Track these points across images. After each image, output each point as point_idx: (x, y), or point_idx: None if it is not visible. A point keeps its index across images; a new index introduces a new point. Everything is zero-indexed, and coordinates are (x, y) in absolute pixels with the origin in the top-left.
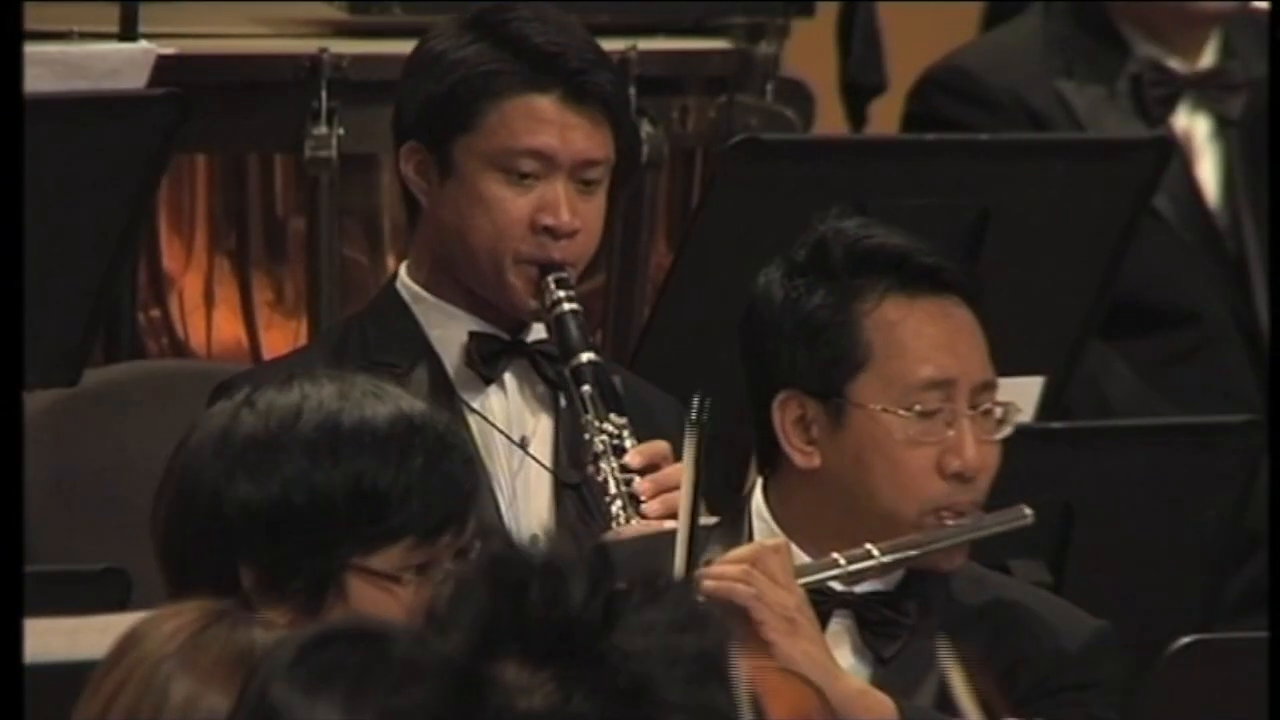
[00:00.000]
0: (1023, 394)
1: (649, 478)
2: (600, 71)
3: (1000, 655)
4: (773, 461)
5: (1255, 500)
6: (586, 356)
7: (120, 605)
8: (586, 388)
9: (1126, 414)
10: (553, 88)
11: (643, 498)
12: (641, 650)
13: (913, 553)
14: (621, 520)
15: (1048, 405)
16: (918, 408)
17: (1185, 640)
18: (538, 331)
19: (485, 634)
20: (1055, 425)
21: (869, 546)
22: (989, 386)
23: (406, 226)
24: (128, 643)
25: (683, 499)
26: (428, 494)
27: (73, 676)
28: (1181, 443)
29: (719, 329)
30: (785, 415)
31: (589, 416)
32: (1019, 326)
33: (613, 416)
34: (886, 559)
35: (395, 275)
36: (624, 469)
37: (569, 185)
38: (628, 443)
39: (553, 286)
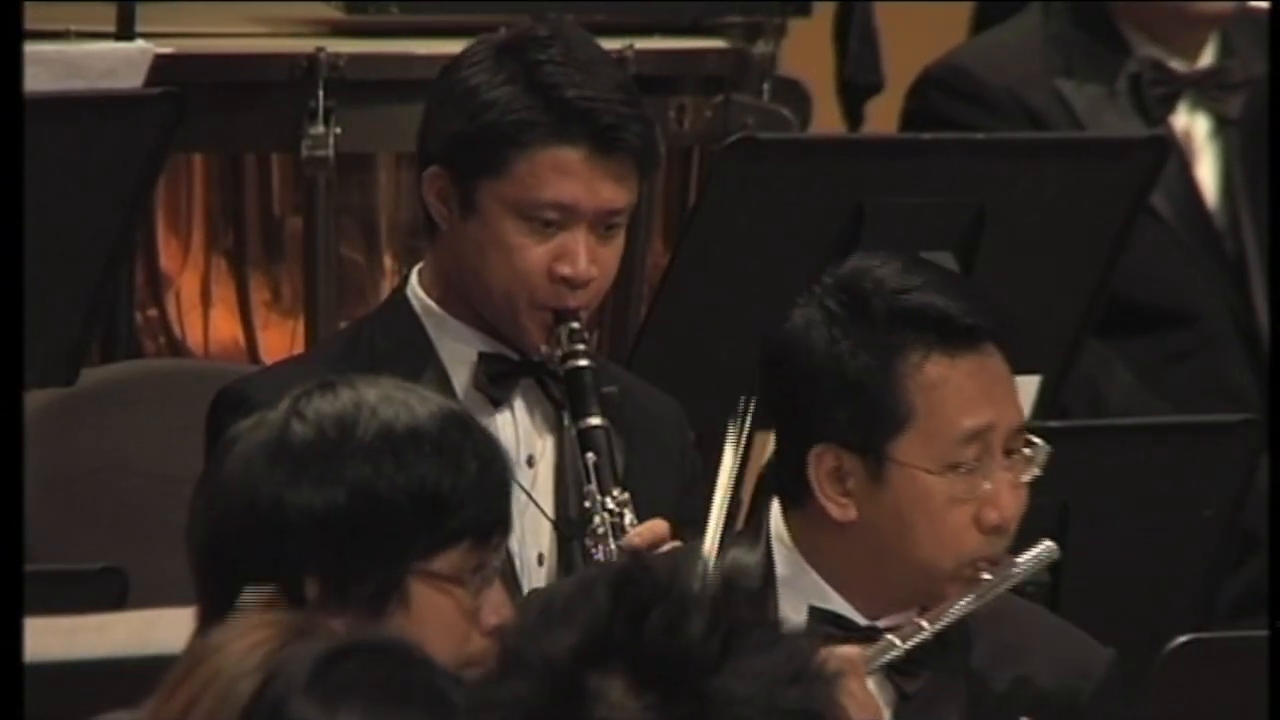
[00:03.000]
0: (1019, 393)
1: None
2: (631, 125)
3: (1020, 692)
4: (799, 497)
5: (1253, 500)
6: (594, 421)
7: (117, 604)
8: (591, 456)
9: (1124, 414)
10: (581, 142)
11: None
12: (747, 696)
13: (960, 615)
14: None
15: (1045, 404)
16: (961, 469)
17: (1182, 639)
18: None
19: (597, 643)
20: (1052, 424)
21: (919, 620)
22: (1021, 431)
23: (423, 235)
24: (202, 653)
25: (715, 508)
26: (483, 496)
27: (69, 676)
28: (1179, 442)
29: (716, 328)
30: (821, 468)
31: (591, 488)
32: (1016, 325)
33: (615, 493)
34: (939, 627)
35: (406, 281)
36: (622, 551)
37: (590, 234)
38: (628, 519)
39: (565, 340)
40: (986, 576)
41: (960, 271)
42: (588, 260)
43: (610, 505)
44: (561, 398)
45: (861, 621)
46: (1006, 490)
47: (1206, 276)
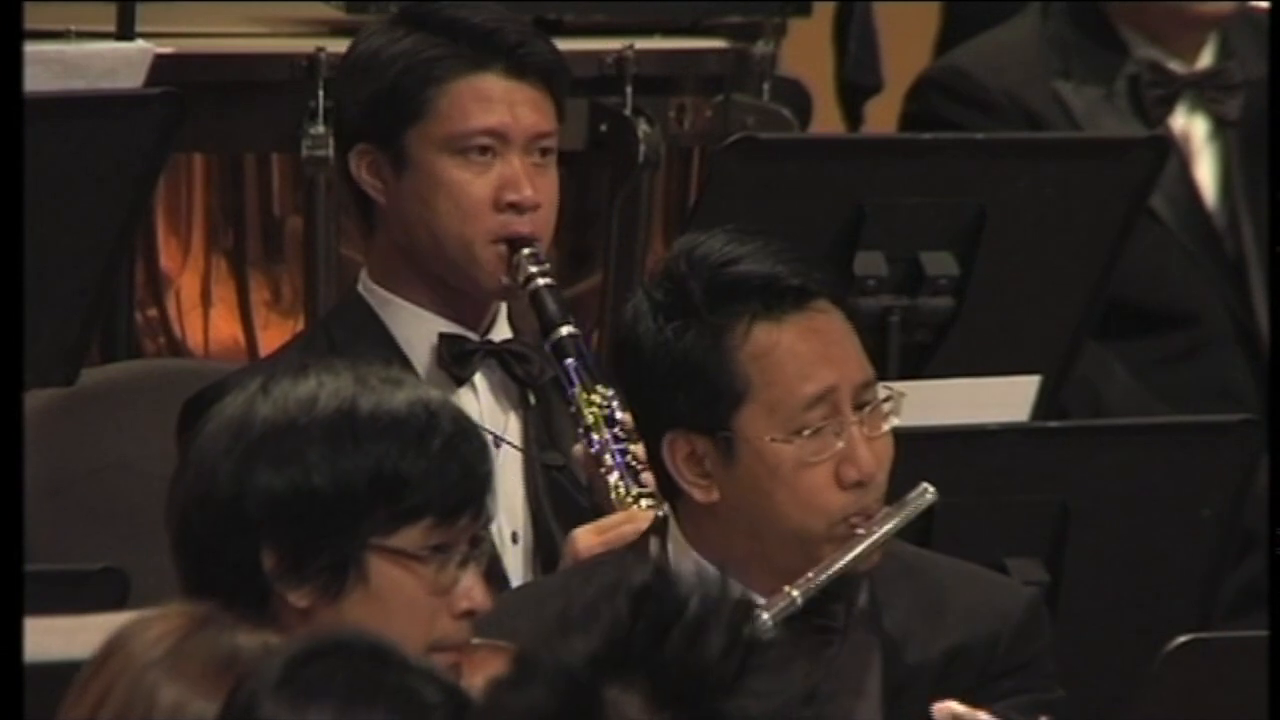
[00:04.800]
0: (1019, 393)
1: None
2: (538, 43)
3: (938, 648)
4: (673, 493)
5: (1252, 499)
6: (566, 330)
7: (118, 604)
8: (570, 360)
9: (1123, 415)
10: (494, 64)
11: (639, 466)
12: (762, 715)
13: (831, 576)
14: (621, 490)
15: (1044, 405)
16: (805, 432)
17: (1182, 639)
18: (505, 330)
19: (616, 654)
20: (1051, 424)
21: (788, 590)
22: (869, 384)
23: (360, 227)
24: (112, 647)
25: None
26: (446, 475)
27: (70, 676)
28: (1178, 442)
29: None
30: (675, 454)
31: (576, 389)
32: (1015, 325)
33: (599, 388)
34: (812, 594)
35: (356, 280)
36: (617, 439)
37: (524, 160)
38: (618, 413)
39: (525, 262)
40: (860, 532)
41: (960, 271)
42: (530, 185)
43: (597, 400)
44: (524, 375)
45: (761, 601)
46: (862, 445)
47: (1206, 277)
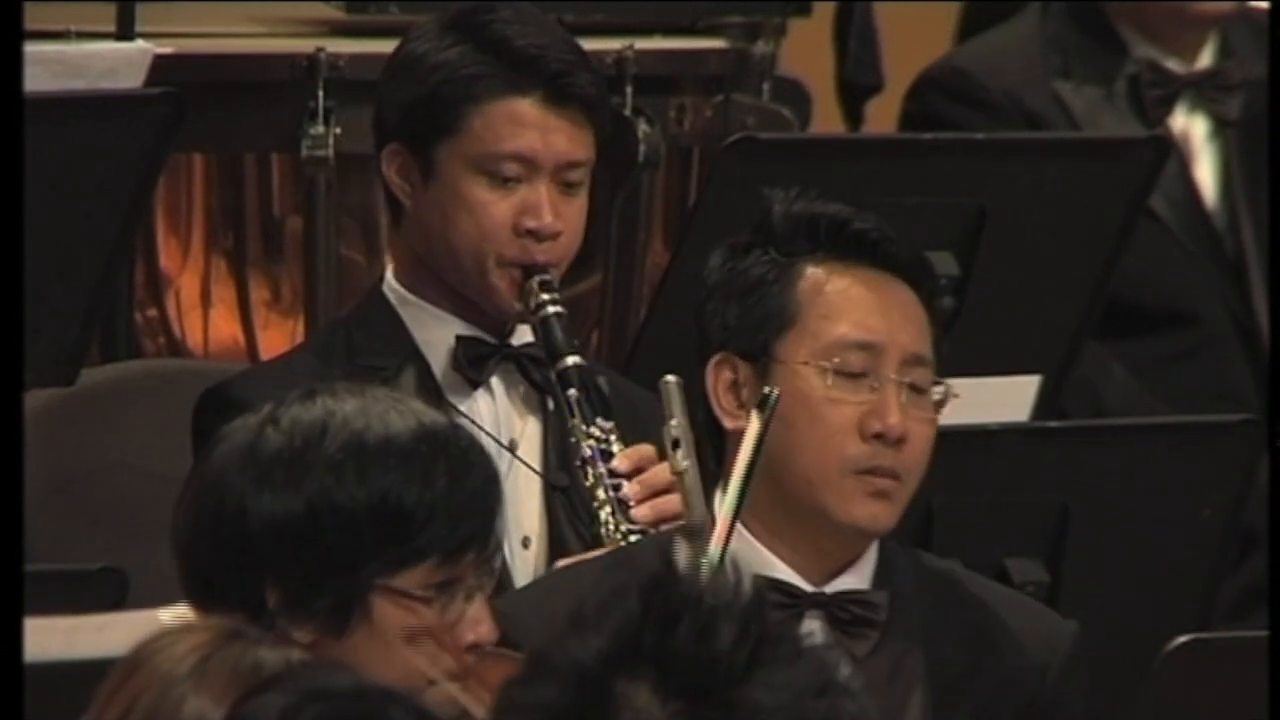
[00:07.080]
0: (1019, 393)
1: (637, 480)
2: (580, 73)
3: (984, 673)
4: (719, 448)
5: (1252, 499)
6: (572, 360)
7: (117, 604)
8: (572, 391)
9: (1122, 416)
10: (533, 90)
11: (631, 503)
12: (773, 706)
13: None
14: (610, 526)
15: (1044, 405)
16: (837, 360)
17: (1182, 639)
18: (524, 335)
19: (625, 649)
20: (1052, 424)
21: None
22: (921, 362)
23: (390, 229)
24: (138, 659)
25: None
26: (452, 514)
27: (69, 676)
28: (1178, 442)
29: None
30: (718, 378)
31: (575, 421)
32: (1015, 325)
33: (599, 421)
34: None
35: (382, 278)
36: (612, 474)
37: (551, 187)
38: (614, 447)
39: (536, 289)
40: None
41: (960, 271)
42: (552, 213)
43: (595, 433)
44: (542, 380)
45: (808, 587)
46: (895, 403)
47: (1206, 277)
